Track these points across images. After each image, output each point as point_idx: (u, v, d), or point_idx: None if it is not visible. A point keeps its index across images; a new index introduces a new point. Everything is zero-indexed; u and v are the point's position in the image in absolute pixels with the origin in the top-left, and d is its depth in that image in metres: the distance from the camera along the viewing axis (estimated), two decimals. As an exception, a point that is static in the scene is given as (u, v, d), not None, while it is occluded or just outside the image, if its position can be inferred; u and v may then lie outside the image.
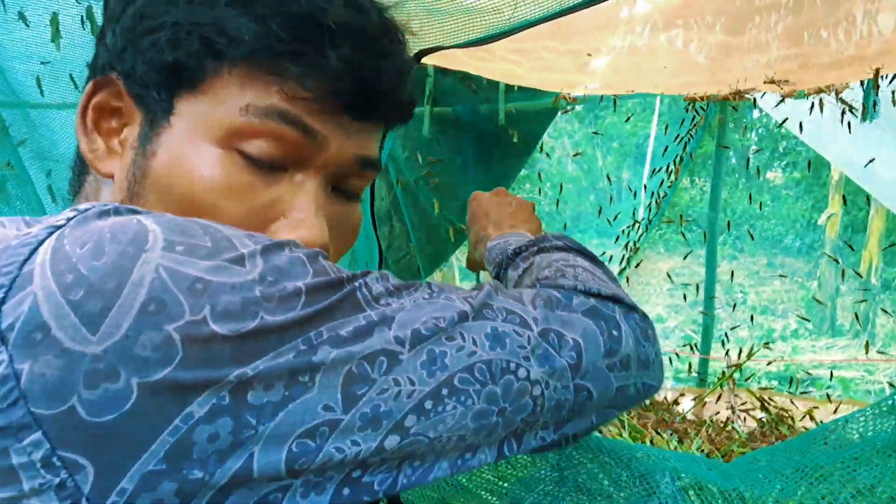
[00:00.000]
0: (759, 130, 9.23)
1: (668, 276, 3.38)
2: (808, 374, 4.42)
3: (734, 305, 3.83)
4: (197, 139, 0.50)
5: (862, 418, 0.88)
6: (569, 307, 0.57)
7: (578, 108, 3.07)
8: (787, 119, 2.91)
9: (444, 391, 0.46)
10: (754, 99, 2.90)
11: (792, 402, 2.97)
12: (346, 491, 0.44)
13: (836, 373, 4.34)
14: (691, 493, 0.86)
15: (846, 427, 0.86)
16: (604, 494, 0.92)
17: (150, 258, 0.39)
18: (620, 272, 3.60)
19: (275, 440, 0.40)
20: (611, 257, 3.60)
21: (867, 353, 3.35)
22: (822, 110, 2.67)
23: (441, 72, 3.73)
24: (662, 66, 2.09)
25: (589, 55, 1.96)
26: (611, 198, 3.44)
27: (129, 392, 0.36)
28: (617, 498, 0.91)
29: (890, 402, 0.83)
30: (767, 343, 3.10)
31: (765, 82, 1.86)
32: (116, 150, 0.54)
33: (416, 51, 1.24)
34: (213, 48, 0.49)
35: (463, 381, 0.46)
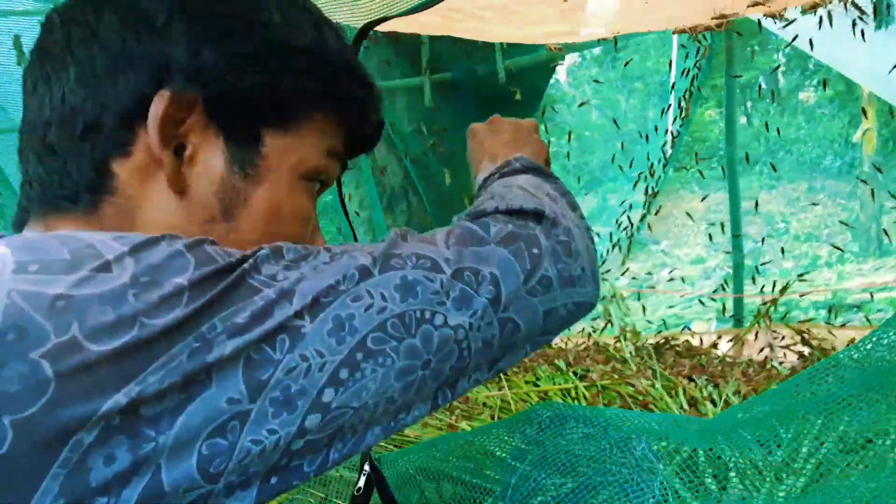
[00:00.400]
0: (787, 50, 8.85)
1: (688, 214, 3.27)
2: (847, 303, 4.25)
3: (762, 240, 3.68)
4: (290, 173, 0.54)
5: (844, 358, 0.83)
6: (484, 240, 0.54)
7: (561, 62, 2.97)
8: (796, 37, 2.75)
9: (359, 356, 0.43)
10: (758, 22, 2.75)
11: (831, 333, 2.86)
12: (273, 479, 0.42)
13: (885, 294, 4.17)
14: (668, 455, 0.83)
15: (830, 370, 0.81)
16: (582, 471, 0.90)
17: (0, 285, 0.36)
18: (642, 219, 3.50)
19: (181, 447, 0.37)
20: (630, 206, 3.51)
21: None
22: (830, 23, 2.51)
23: (434, 38, 3.66)
24: (644, 1, 1.99)
25: (564, 0, 1.87)
26: (622, 145, 3.33)
27: (4, 433, 0.34)
28: (597, 469, 0.88)
29: (868, 344, 0.78)
30: (802, 275, 2.97)
31: (748, 6, 1.74)
32: (172, 159, 0.51)
33: (361, 24, 1.20)
34: (316, 99, 0.55)
35: (377, 340, 0.44)
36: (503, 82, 3.49)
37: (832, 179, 8.13)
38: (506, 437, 1.00)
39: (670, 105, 3.29)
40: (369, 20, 1.21)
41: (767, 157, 8.65)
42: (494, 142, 0.83)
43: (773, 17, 1.98)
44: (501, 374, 2.83)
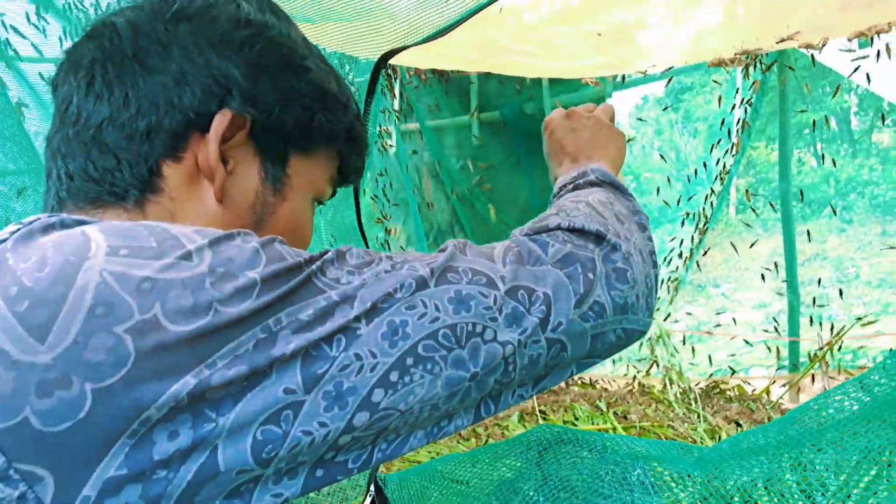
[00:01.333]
0: (859, 91, 8.54)
1: (733, 246, 3.16)
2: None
3: (819, 281, 3.51)
4: (304, 193, 0.62)
5: (839, 396, 0.79)
6: (540, 259, 0.56)
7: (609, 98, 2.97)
8: (857, 68, 2.66)
9: (409, 360, 0.45)
10: (812, 56, 2.68)
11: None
12: (319, 472, 0.44)
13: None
14: (663, 481, 0.80)
15: (826, 404, 0.77)
16: (585, 489, 0.88)
17: (94, 264, 0.39)
18: (689, 258, 3.41)
19: (238, 430, 0.39)
20: (681, 242, 3.43)
21: None
22: (889, 54, 2.43)
23: (483, 77, 3.73)
24: (685, 34, 1.98)
25: (599, 34, 1.89)
26: (668, 179, 3.28)
27: (84, 399, 0.36)
28: (598, 489, 0.86)
29: (860, 380, 0.74)
30: (861, 318, 2.81)
31: (777, 42, 1.71)
32: (223, 173, 0.56)
33: (380, 54, 1.25)
34: (335, 134, 0.63)
35: (427, 347, 0.46)
36: (550, 120, 3.51)
37: (908, 223, 7.69)
38: (508, 459, 0.99)
39: (720, 140, 3.23)
40: (386, 51, 1.26)
41: (837, 199, 8.29)
42: (574, 140, 0.83)
43: (810, 47, 1.93)
44: (539, 413, 2.78)
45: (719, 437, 2.30)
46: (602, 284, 0.57)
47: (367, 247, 1.38)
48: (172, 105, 0.53)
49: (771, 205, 3.00)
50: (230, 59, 0.55)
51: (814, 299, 3.14)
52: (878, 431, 0.72)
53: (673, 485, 0.78)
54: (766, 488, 0.75)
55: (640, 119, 3.78)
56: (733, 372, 3.27)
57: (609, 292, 0.58)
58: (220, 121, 0.54)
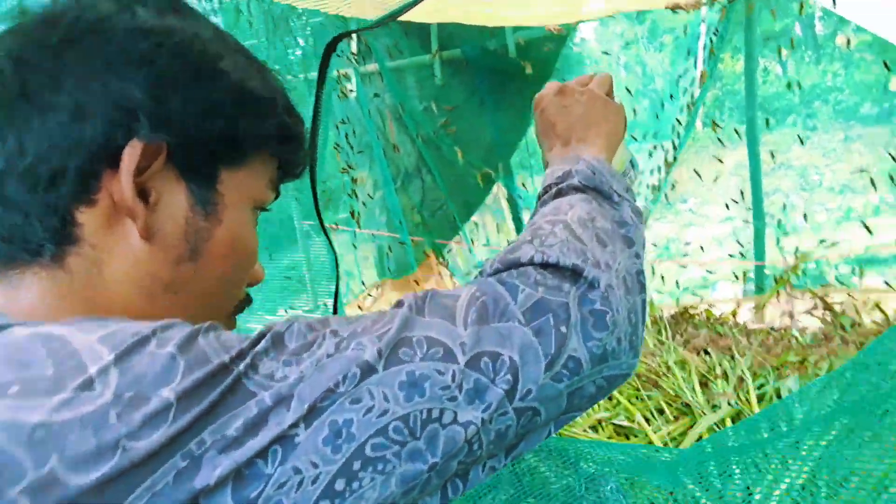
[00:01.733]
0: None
1: (696, 172, 3.19)
2: (880, 258, 4.11)
3: (784, 205, 3.57)
4: (242, 208, 0.56)
5: (813, 391, 0.83)
6: (508, 311, 0.51)
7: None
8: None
9: (356, 465, 0.41)
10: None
11: (850, 296, 2.79)
12: None
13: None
14: (632, 493, 0.84)
15: (794, 405, 0.81)
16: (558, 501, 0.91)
17: None
18: (658, 188, 3.44)
19: None
20: (650, 171, 3.44)
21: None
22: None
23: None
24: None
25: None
26: (634, 111, 3.25)
27: None
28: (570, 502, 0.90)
29: (834, 377, 0.77)
30: (823, 241, 2.90)
31: None
32: (143, 209, 0.50)
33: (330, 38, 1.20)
34: (265, 138, 0.57)
35: (377, 446, 0.42)
36: (514, 56, 3.43)
37: (870, 126, 7.80)
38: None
39: (686, 69, 3.19)
40: (334, 35, 1.20)
41: (802, 107, 8.31)
42: (566, 119, 0.76)
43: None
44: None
45: (689, 371, 2.40)
46: (577, 335, 0.52)
47: (325, 233, 1.34)
48: (74, 144, 0.47)
49: (736, 131, 3.00)
50: (131, 79, 0.48)
51: (779, 221, 3.21)
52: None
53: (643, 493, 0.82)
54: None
55: (605, 52, 3.69)
56: (701, 298, 3.37)
57: (586, 343, 0.53)
58: (130, 154, 0.48)
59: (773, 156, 3.63)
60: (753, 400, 2.06)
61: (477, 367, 0.47)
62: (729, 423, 1.93)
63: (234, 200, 0.55)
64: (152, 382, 0.38)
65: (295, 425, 0.40)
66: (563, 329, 0.52)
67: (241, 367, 0.40)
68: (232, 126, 0.53)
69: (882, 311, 2.82)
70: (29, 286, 0.48)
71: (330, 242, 1.26)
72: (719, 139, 3.42)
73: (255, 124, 0.55)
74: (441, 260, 4.27)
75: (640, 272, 0.62)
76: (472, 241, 4.20)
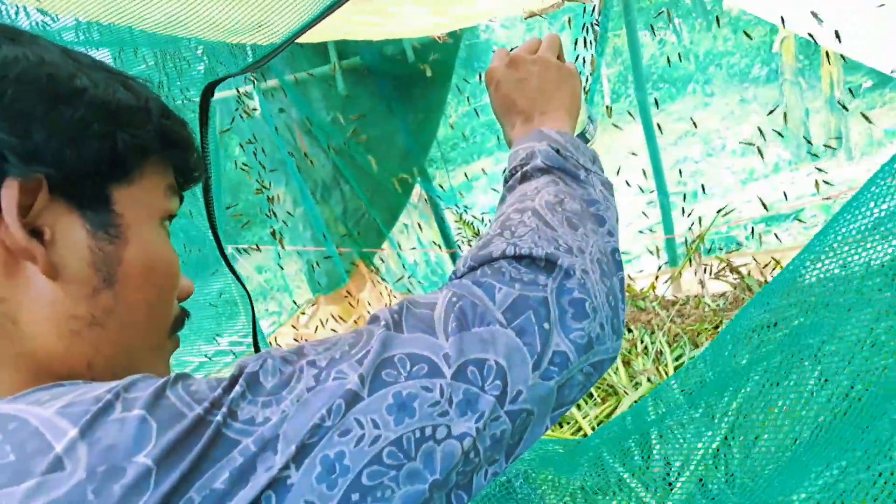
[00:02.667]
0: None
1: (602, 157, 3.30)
2: (783, 214, 4.39)
3: (680, 171, 3.75)
4: (147, 223, 0.53)
5: (690, 371, 0.89)
6: (487, 314, 0.50)
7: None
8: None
9: (355, 496, 0.40)
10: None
11: (754, 259, 2.97)
12: None
13: (816, 200, 4.31)
14: (542, 488, 0.89)
15: (667, 391, 0.87)
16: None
17: None
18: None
19: None
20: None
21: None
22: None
23: (335, 25, 3.55)
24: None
25: (436, -2, 1.86)
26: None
27: None
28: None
29: (706, 357, 0.84)
30: (721, 210, 3.07)
31: None
32: (41, 248, 0.47)
33: (205, 84, 1.19)
34: (148, 146, 0.54)
35: (373, 475, 0.41)
36: (412, 60, 3.45)
37: (762, 87, 8.26)
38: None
39: (577, 56, 3.29)
40: (210, 80, 1.19)
41: (699, 73, 8.71)
42: (524, 93, 0.75)
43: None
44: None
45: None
46: (558, 330, 0.52)
47: (224, 256, 1.30)
48: None
49: (629, 113, 3.12)
50: (23, 123, 0.46)
51: (683, 196, 3.37)
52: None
53: (545, 487, 0.87)
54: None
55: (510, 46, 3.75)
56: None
57: (568, 336, 0.52)
58: (9, 195, 0.45)
59: (660, 129, 3.77)
60: (672, 372, 2.18)
61: (464, 377, 0.46)
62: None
63: (136, 217, 0.53)
64: (126, 451, 0.36)
65: (285, 468, 0.38)
66: (546, 325, 0.51)
67: (219, 416, 0.39)
68: (108, 143, 0.50)
69: (783, 267, 3.01)
70: None
71: (237, 277, 1.25)
72: (629, 113, 3.52)
73: (131, 135, 0.52)
74: (372, 268, 4.27)
75: (615, 250, 0.62)
76: (398, 244, 4.22)
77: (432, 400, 0.44)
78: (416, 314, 0.50)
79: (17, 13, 1.49)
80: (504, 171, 0.71)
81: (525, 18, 1.95)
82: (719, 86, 8.57)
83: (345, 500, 0.39)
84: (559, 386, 0.51)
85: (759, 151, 2.79)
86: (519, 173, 0.67)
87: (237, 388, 0.40)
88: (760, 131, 3.45)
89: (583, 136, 0.84)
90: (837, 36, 2.04)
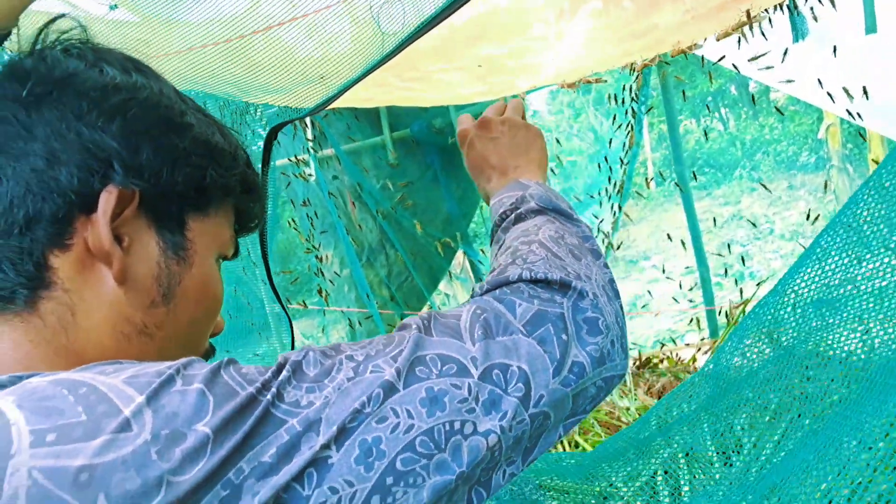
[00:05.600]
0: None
1: (669, 237, 3.35)
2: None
3: (728, 246, 3.77)
4: (209, 254, 0.59)
5: (698, 380, 0.93)
6: (510, 325, 0.54)
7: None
8: (723, 57, 2.89)
9: (389, 479, 0.43)
10: (685, 54, 2.90)
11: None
12: None
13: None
14: (551, 493, 0.92)
15: (676, 399, 0.91)
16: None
17: (20, 463, 0.35)
18: (607, 248, 3.61)
19: None
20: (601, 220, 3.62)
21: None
22: (747, 39, 2.67)
23: (389, 99, 3.80)
24: (567, 52, 2.13)
25: (479, 66, 2.03)
26: (599, 165, 3.46)
27: None
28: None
29: (701, 373, 0.88)
30: (761, 283, 3.06)
31: (672, 54, 1.89)
32: (120, 253, 0.52)
33: (269, 129, 1.34)
34: (228, 188, 0.61)
35: (406, 461, 0.43)
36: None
37: (810, 173, 8.24)
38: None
39: (610, 140, 3.43)
40: (273, 126, 1.35)
41: (745, 160, 8.77)
42: (497, 151, 0.81)
43: (684, 52, 2.14)
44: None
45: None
46: (576, 344, 0.55)
47: (276, 294, 1.41)
48: (49, 189, 0.49)
49: (676, 184, 3.20)
50: (104, 129, 0.51)
51: (725, 269, 3.38)
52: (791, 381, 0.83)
53: (555, 493, 0.90)
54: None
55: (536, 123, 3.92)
56: (662, 345, 3.48)
57: (585, 349, 0.56)
58: (107, 199, 0.50)
59: (715, 222, 3.81)
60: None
61: (489, 378, 0.49)
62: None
63: (202, 248, 0.58)
64: (187, 419, 0.39)
65: (326, 447, 0.41)
66: (564, 337, 0.55)
67: (269, 396, 0.42)
68: (199, 175, 0.56)
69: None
70: (0, 335, 0.48)
71: (279, 298, 1.35)
72: (681, 190, 3.61)
73: (220, 174, 0.58)
74: (410, 332, 4.34)
75: (612, 280, 0.66)
76: (440, 307, 4.30)
77: (461, 397, 0.47)
78: (444, 322, 0.53)
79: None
80: (492, 217, 0.77)
81: (563, 87, 2.10)
82: (766, 172, 8.59)
83: (380, 483, 0.42)
84: (574, 395, 0.55)
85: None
86: (513, 215, 0.72)
87: (284, 373, 0.44)
88: (808, 216, 3.47)
89: None
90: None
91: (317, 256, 3.99)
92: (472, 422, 0.47)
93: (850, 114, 2.82)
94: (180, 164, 0.55)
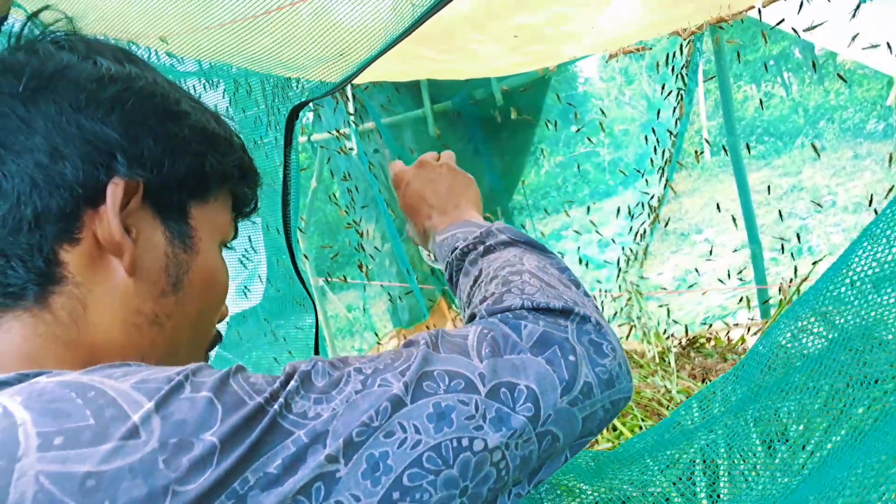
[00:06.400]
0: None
1: (718, 207, 3.22)
2: None
3: (783, 218, 3.58)
4: (212, 239, 0.60)
5: (731, 376, 0.87)
6: (517, 345, 0.53)
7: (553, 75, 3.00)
8: (782, 20, 2.71)
9: (396, 495, 0.42)
10: (741, 19, 2.73)
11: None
12: None
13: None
14: (566, 496, 0.88)
15: (708, 400, 0.85)
16: None
17: (27, 467, 0.35)
18: (654, 222, 3.49)
19: None
20: (631, 207, 3.50)
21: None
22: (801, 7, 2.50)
23: (430, 70, 3.74)
24: (607, 19, 2.03)
25: (515, 36, 1.95)
26: (646, 138, 3.33)
27: None
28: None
29: (735, 372, 0.82)
30: (818, 261, 2.90)
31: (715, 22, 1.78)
32: (131, 244, 0.53)
33: (291, 107, 1.31)
34: (227, 174, 0.61)
35: (413, 476, 0.43)
36: (500, 104, 3.56)
37: (878, 142, 7.77)
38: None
39: (658, 111, 3.29)
40: (294, 104, 1.31)
41: (808, 127, 8.34)
42: (435, 190, 0.83)
43: (740, 17, 2.01)
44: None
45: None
46: (585, 365, 0.54)
47: (303, 283, 1.40)
48: (55, 184, 0.49)
49: (724, 149, 3.04)
50: (104, 121, 0.51)
51: (782, 246, 3.21)
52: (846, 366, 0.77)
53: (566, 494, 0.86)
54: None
55: (570, 105, 3.75)
56: (709, 325, 3.36)
57: (594, 370, 0.55)
58: (115, 191, 0.50)
59: (769, 190, 3.62)
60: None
61: (497, 397, 0.49)
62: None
63: (206, 234, 0.59)
64: (195, 428, 0.38)
65: (334, 459, 0.41)
66: (572, 357, 0.54)
67: (276, 407, 0.41)
68: (199, 163, 0.57)
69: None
70: (10, 330, 0.48)
71: (304, 283, 1.33)
72: (732, 161, 3.45)
73: (219, 161, 0.59)
74: (452, 306, 4.33)
75: (597, 308, 0.65)
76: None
77: (468, 413, 0.47)
78: (451, 340, 0.53)
79: (148, 56, 1.70)
80: (443, 253, 0.76)
81: (607, 60, 2.00)
82: (830, 140, 8.15)
83: (386, 498, 0.42)
84: (584, 416, 0.54)
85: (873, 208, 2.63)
86: (481, 247, 0.71)
87: (292, 383, 0.43)
88: (871, 197, 3.26)
89: None
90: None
91: (357, 231, 4.00)
92: (481, 438, 0.47)
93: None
94: (181, 153, 0.55)
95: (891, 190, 2.84)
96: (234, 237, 0.65)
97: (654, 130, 3.25)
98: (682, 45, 2.83)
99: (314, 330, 1.39)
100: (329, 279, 4.13)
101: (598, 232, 3.59)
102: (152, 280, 0.53)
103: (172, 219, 0.56)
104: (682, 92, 3.02)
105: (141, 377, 0.41)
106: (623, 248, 3.78)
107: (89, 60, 0.53)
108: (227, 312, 0.65)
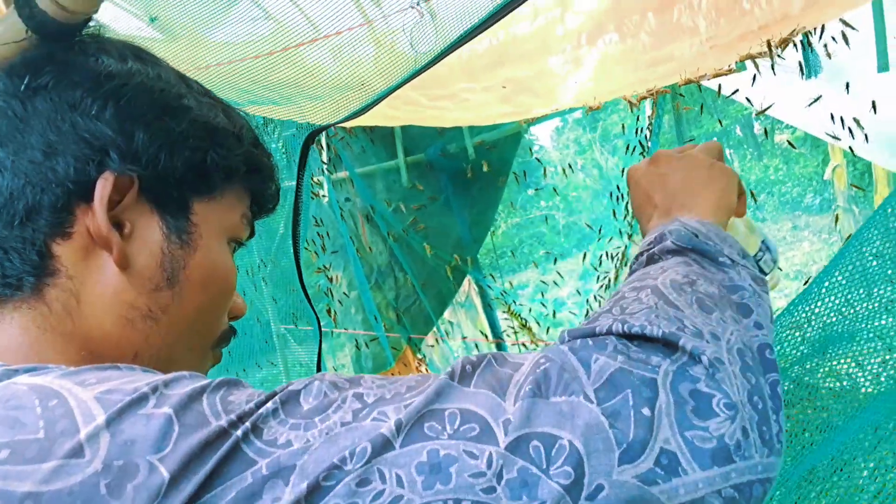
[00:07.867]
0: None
1: None
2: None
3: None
4: (217, 238, 0.58)
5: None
6: (571, 385, 0.41)
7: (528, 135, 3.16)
8: (736, 91, 2.96)
9: None
10: (698, 85, 2.97)
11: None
12: None
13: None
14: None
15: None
16: None
17: None
18: (614, 283, 3.64)
19: None
20: (611, 256, 3.65)
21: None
22: (759, 72, 2.74)
23: (405, 125, 3.88)
24: (587, 77, 2.18)
25: (504, 87, 2.08)
26: (613, 207, 3.49)
27: None
28: None
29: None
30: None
31: (679, 84, 1.95)
32: (119, 240, 0.52)
33: (306, 134, 1.37)
34: (235, 169, 0.60)
35: None
36: (472, 158, 3.71)
37: (815, 215, 8.31)
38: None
39: (623, 168, 3.49)
40: (310, 130, 1.38)
41: (750, 200, 8.85)
42: (663, 187, 0.68)
43: (690, 82, 2.20)
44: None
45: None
46: (671, 421, 0.40)
47: (308, 298, 1.42)
48: (47, 180, 0.50)
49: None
50: (98, 117, 0.51)
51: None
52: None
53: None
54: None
55: (538, 160, 3.95)
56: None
57: (683, 433, 0.40)
58: (103, 186, 0.50)
59: None
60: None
61: (523, 452, 0.37)
62: None
63: (209, 231, 0.57)
64: (144, 449, 0.35)
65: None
66: (646, 411, 0.40)
67: (240, 432, 0.37)
68: (199, 158, 0.56)
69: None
70: (10, 320, 0.49)
71: (308, 300, 1.37)
72: None
73: (222, 155, 0.57)
74: (418, 355, 4.34)
75: (766, 346, 0.49)
76: (446, 333, 4.30)
77: (474, 470, 0.36)
78: (496, 371, 0.43)
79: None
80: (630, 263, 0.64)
81: (587, 113, 2.15)
82: (770, 212, 8.67)
83: None
84: (670, 501, 0.39)
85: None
86: (645, 256, 0.60)
87: (269, 404, 0.39)
88: (812, 260, 3.49)
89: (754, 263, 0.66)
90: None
91: (327, 277, 4.02)
92: None
93: (852, 150, 2.87)
94: (178, 148, 0.54)
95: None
96: (251, 236, 0.64)
97: (618, 187, 3.43)
98: (651, 104, 3.05)
99: (316, 355, 1.41)
100: (296, 325, 4.10)
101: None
102: (147, 275, 0.53)
103: (171, 214, 0.55)
104: (644, 154, 3.23)
105: (112, 385, 0.38)
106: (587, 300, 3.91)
107: (92, 58, 0.54)
108: (245, 309, 0.64)
